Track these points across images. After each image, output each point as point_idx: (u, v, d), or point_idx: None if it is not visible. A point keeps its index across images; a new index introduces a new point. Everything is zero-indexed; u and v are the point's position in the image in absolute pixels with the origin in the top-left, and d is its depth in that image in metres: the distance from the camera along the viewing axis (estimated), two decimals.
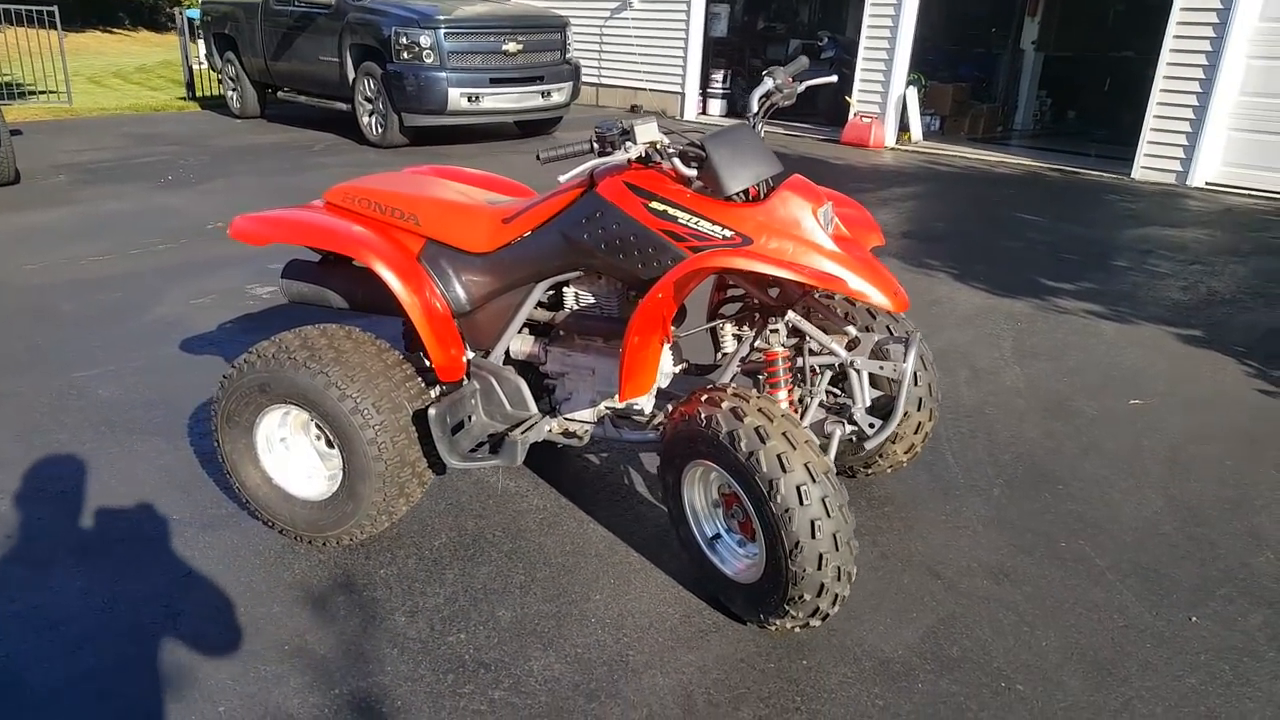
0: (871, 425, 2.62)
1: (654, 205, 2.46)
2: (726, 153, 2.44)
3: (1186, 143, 8.54)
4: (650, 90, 13.04)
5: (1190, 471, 3.31)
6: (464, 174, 3.25)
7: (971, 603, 2.58)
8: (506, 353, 2.86)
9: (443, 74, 9.08)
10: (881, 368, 2.59)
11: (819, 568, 2.15)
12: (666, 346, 2.80)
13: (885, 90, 10.63)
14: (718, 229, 2.39)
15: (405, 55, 9.03)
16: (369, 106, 9.62)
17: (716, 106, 12.93)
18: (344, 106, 10.08)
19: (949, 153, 10.46)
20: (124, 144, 9.70)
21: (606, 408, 2.81)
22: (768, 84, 2.71)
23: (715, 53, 12.94)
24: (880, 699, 2.22)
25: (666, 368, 2.81)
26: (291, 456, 2.79)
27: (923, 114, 10.98)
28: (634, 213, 2.47)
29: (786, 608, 2.25)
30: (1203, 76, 8.34)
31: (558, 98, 10.08)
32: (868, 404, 2.66)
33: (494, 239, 2.71)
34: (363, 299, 2.82)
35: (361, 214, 2.81)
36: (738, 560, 2.44)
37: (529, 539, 2.85)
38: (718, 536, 2.50)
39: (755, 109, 2.67)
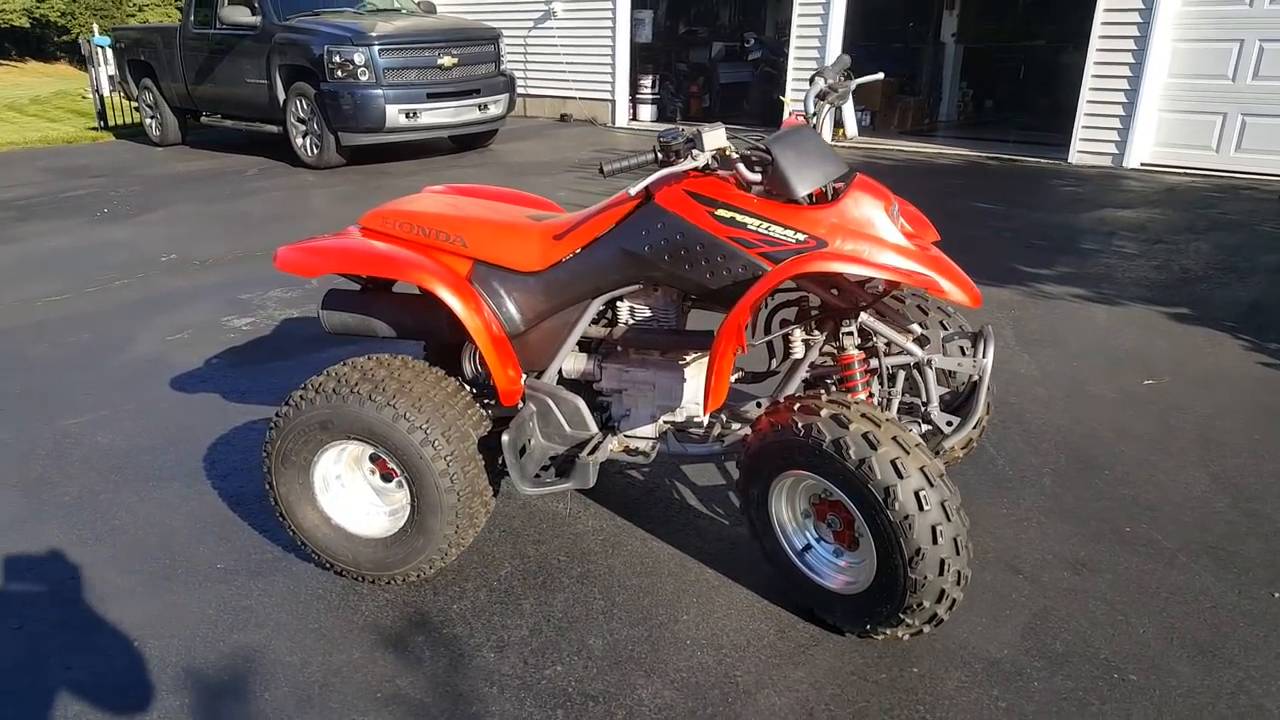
0: (949, 423, 2.61)
1: (720, 213, 2.40)
2: (793, 155, 2.40)
3: (1120, 126, 8.83)
4: (580, 99, 12.97)
5: (1224, 448, 3.39)
6: (485, 190, 3.15)
7: (1059, 596, 2.58)
8: (559, 372, 2.76)
9: (379, 91, 8.86)
10: (960, 364, 2.57)
11: (940, 573, 2.11)
12: None
13: None
14: (790, 233, 2.35)
15: (339, 74, 8.78)
16: (303, 128, 9.34)
17: (647, 112, 12.92)
18: (275, 129, 9.77)
19: (887, 147, 10.64)
20: (46, 178, 9.22)
21: (667, 422, 2.73)
22: (820, 84, 2.69)
23: (641, 58, 12.93)
24: (1002, 700, 2.20)
25: None
26: (347, 494, 2.65)
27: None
28: (699, 221, 2.42)
29: (902, 616, 2.21)
30: (1132, 61, 8.64)
31: (495, 110, 9.94)
32: (938, 402, 2.64)
33: (545, 257, 2.62)
34: (413, 326, 2.69)
35: (404, 238, 2.69)
36: (836, 571, 2.39)
37: (596, 562, 2.75)
38: (808, 548, 2.45)
39: (813, 110, 2.64)
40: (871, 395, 2.55)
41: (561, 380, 2.78)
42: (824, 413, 2.22)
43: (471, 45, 9.56)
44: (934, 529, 2.09)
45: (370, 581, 2.63)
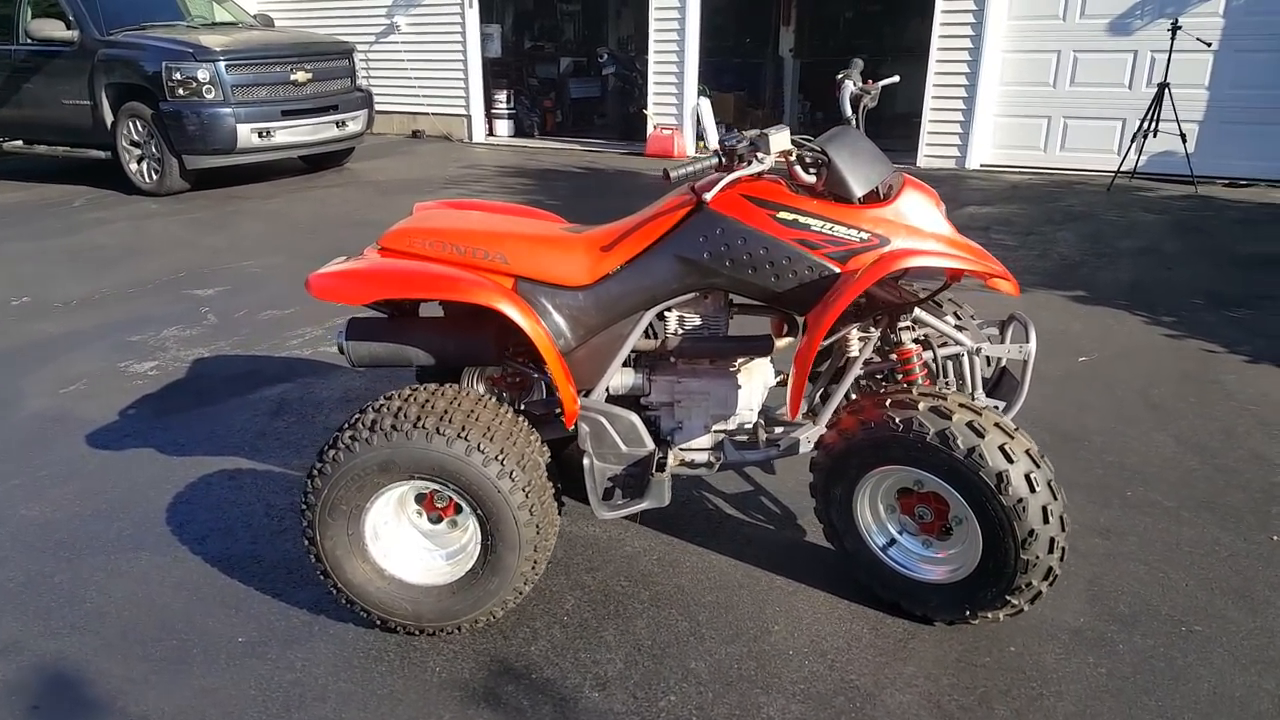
0: (994, 407, 2.70)
1: (782, 215, 2.40)
2: (848, 155, 2.44)
3: (961, 130, 9.50)
4: (433, 114, 12.63)
5: (1170, 412, 3.70)
6: (482, 205, 3.00)
7: (1101, 561, 2.73)
8: (606, 390, 2.67)
9: (228, 110, 8.27)
10: (1008, 350, 2.67)
11: (1050, 551, 2.18)
12: (768, 360, 2.75)
13: (679, 101, 10.96)
14: (853, 232, 2.37)
15: (181, 92, 8.14)
16: (137, 151, 8.58)
17: (504, 127, 12.74)
18: (102, 154, 8.91)
19: None
20: None
21: (721, 431, 2.70)
22: (850, 88, 2.73)
23: (494, 73, 12.75)
24: (1100, 666, 2.30)
25: (771, 380, 2.75)
26: (397, 541, 2.45)
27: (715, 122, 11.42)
28: (761, 225, 2.40)
29: (1009, 598, 2.26)
30: (968, 71, 9.31)
31: (353, 127, 9.51)
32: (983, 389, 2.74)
33: (594, 270, 2.53)
34: (455, 351, 2.51)
35: (437, 257, 2.51)
36: (930, 562, 2.42)
37: (661, 583, 2.67)
38: (892, 542, 2.47)
39: (850, 112, 2.67)
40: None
41: (609, 397, 2.68)
42: (922, 406, 2.25)
43: (325, 60, 9.09)
44: (1045, 509, 2.16)
45: (429, 634, 2.44)
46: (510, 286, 2.52)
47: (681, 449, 2.68)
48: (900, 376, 2.58)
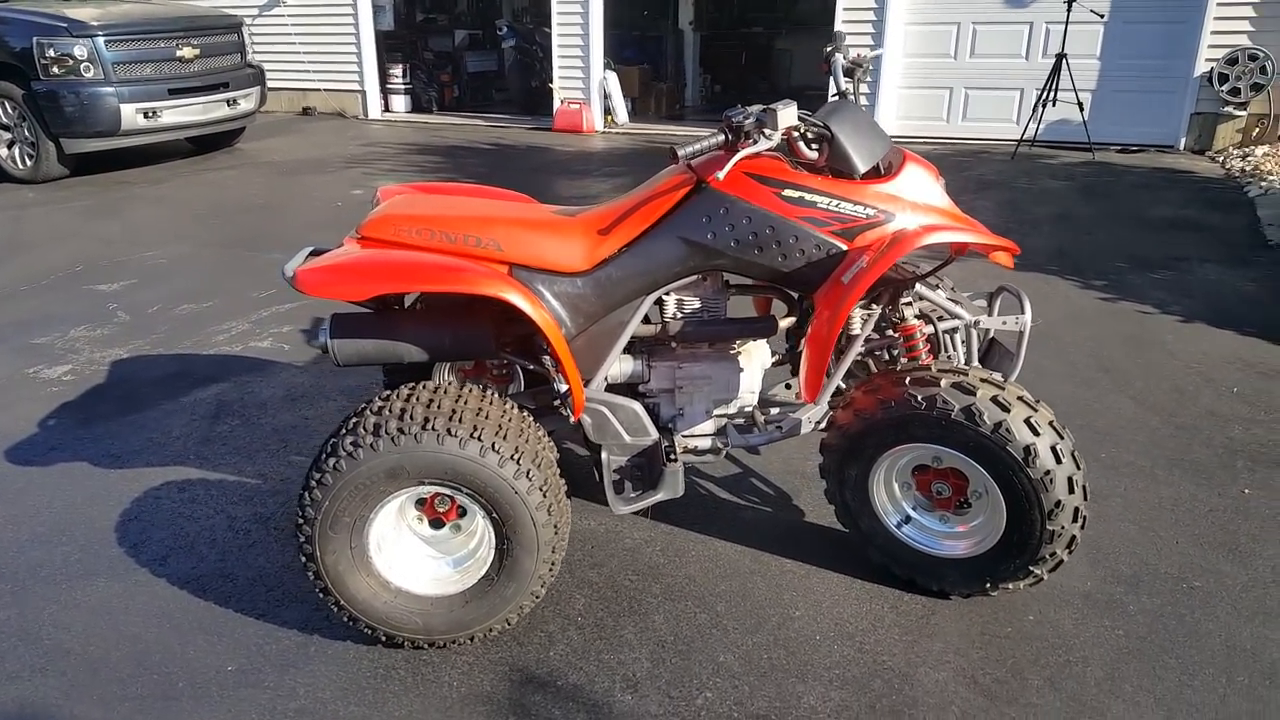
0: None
1: (787, 193, 2.34)
2: (850, 130, 2.39)
3: (868, 103, 9.63)
4: (325, 90, 12.08)
5: (1122, 374, 3.82)
6: (453, 188, 2.84)
7: (1094, 524, 2.78)
8: (605, 379, 2.56)
9: (110, 89, 7.70)
10: (1005, 322, 2.68)
11: (1074, 520, 2.20)
12: (765, 342, 2.69)
13: (586, 75, 10.77)
14: (860, 209, 2.33)
15: (56, 70, 7.53)
16: (8, 136, 7.92)
17: (400, 103, 12.30)
18: None
19: (658, 131, 10.87)
20: None
21: (722, 415, 2.63)
22: (841, 61, 2.67)
23: (388, 47, 12.27)
24: (1117, 628, 2.34)
25: (768, 361, 2.70)
26: (401, 551, 2.30)
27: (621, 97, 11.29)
28: (767, 204, 2.34)
29: (1032, 568, 2.27)
30: (872, 44, 9.44)
31: (245, 105, 9.00)
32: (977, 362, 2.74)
33: (592, 255, 2.41)
34: (451, 345, 2.36)
35: (424, 246, 2.35)
36: (948, 538, 2.41)
37: (670, 574, 2.60)
38: (907, 520, 2.46)
39: (845, 85, 2.62)
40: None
41: (610, 386, 2.58)
42: (945, 382, 2.23)
43: (213, 35, 8.56)
44: (1070, 479, 2.17)
45: (440, 646, 2.30)
46: (505, 274, 2.38)
47: (685, 436, 2.61)
48: (906, 353, 2.55)
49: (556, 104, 11.00)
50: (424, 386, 2.24)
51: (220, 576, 2.62)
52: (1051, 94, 8.24)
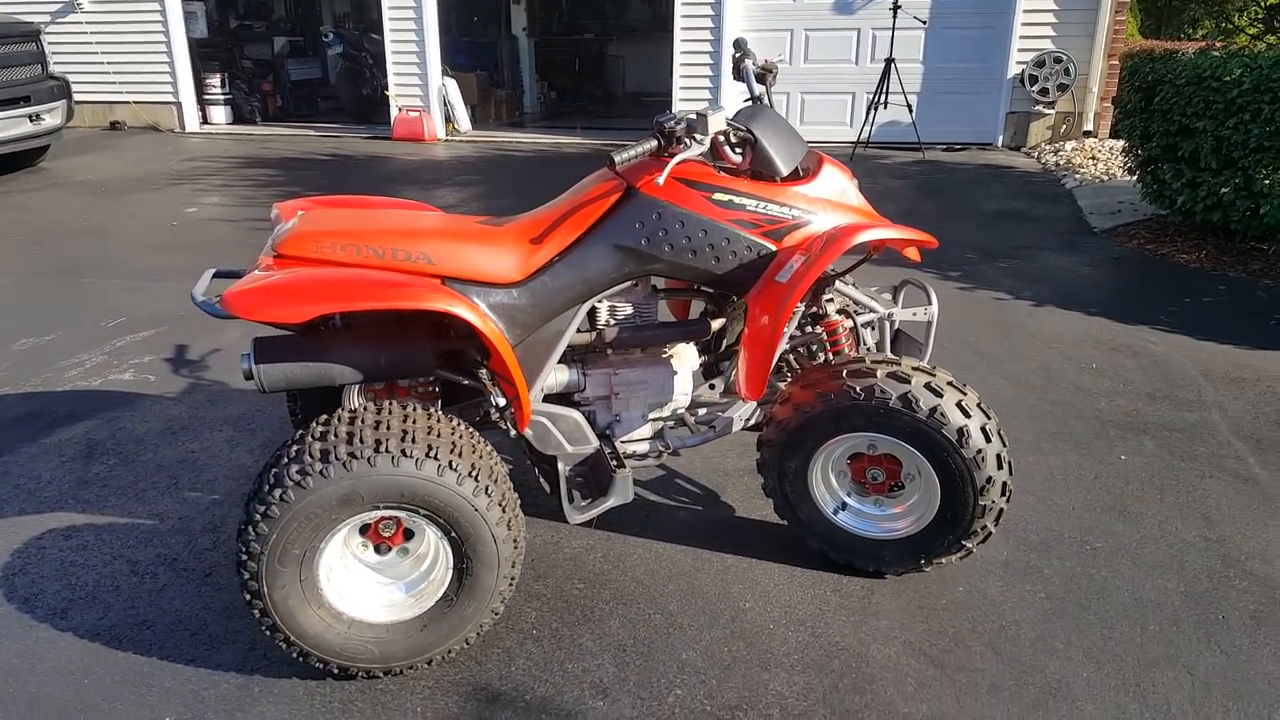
0: None
1: (717, 196, 2.41)
2: (771, 134, 2.48)
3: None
4: (135, 103, 11.30)
5: (992, 357, 4.11)
6: (356, 200, 2.75)
7: None
8: (541, 390, 2.54)
9: None
10: (915, 314, 2.82)
11: (1002, 494, 2.36)
12: (692, 344, 2.74)
13: (424, 82, 10.55)
14: (785, 210, 2.43)
15: None
16: None
17: (220, 114, 11.66)
18: None
19: (504, 139, 10.77)
20: None
21: (656, 419, 2.66)
22: (750, 66, 2.75)
23: (203, 56, 11.61)
24: (1039, 591, 2.53)
25: (696, 364, 2.75)
26: (348, 579, 2.20)
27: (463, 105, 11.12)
28: (697, 208, 2.39)
29: (964, 542, 2.42)
30: (711, 50, 9.73)
31: (50, 120, 8.33)
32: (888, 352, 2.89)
33: (525, 265, 2.39)
34: (388, 365, 2.27)
35: (351, 262, 2.26)
36: (886, 520, 2.53)
37: (616, 579, 2.60)
38: (843, 506, 2.56)
39: (759, 90, 2.69)
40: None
41: (547, 397, 2.56)
42: (880, 373, 2.34)
43: (7, 44, 7.85)
44: (999, 456, 2.32)
45: (397, 673, 2.22)
46: (447, 288, 2.32)
47: (623, 442, 2.62)
48: (829, 347, 2.65)
49: (394, 112, 10.73)
50: (366, 408, 2.16)
51: (134, 625, 2.43)
52: (883, 97, 8.73)
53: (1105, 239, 6.05)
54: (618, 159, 2.25)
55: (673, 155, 2.33)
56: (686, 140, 2.33)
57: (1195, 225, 5.79)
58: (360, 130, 11.26)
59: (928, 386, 2.31)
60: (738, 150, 2.45)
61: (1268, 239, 5.21)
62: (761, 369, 2.32)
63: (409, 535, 2.23)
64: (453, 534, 2.11)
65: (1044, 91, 9.14)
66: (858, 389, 2.33)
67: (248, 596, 2.06)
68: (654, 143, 2.32)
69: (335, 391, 2.65)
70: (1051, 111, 9.31)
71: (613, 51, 15.41)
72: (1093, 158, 8.50)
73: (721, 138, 2.40)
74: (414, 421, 2.12)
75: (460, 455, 2.09)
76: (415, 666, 2.21)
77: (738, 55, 2.76)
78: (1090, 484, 3.06)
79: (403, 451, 2.03)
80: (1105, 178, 7.77)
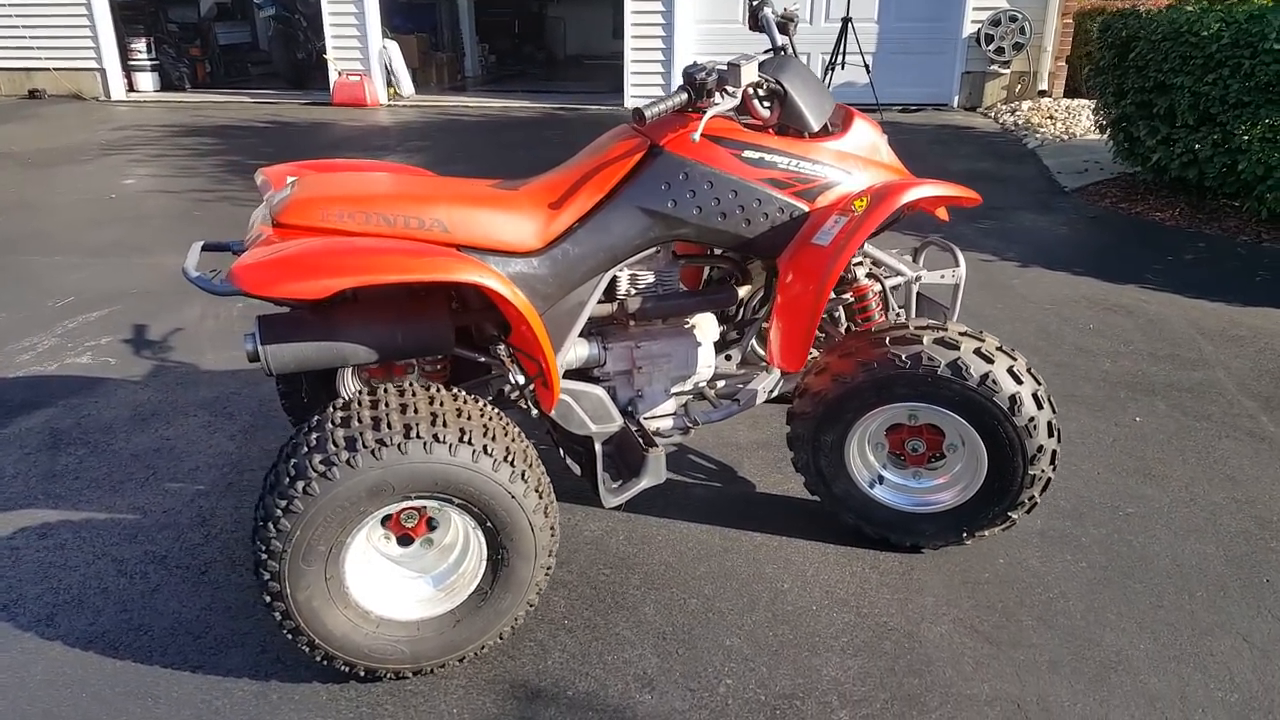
0: None
1: (748, 154, 2.27)
2: (801, 86, 2.35)
3: (663, 70, 9.70)
4: (55, 70, 10.67)
5: (990, 319, 4.05)
6: (349, 164, 2.55)
7: None
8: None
9: None
10: (943, 276, 2.72)
11: (1051, 463, 2.28)
12: (712, 314, 2.60)
13: (365, 45, 10.14)
14: (818, 168, 2.30)
15: None
16: None
17: (147, 81, 11.10)
18: None
19: (449, 103, 10.44)
20: None
21: (679, 393, 2.52)
22: (770, 14, 2.59)
23: (126, 19, 11.00)
24: (1080, 560, 2.46)
25: (717, 333, 2.61)
26: (373, 575, 2.03)
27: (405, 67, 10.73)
28: (727, 167, 2.25)
29: (1010, 514, 2.33)
30: (664, 9, 9.49)
31: None
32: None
33: (545, 231, 2.22)
34: (404, 342, 2.09)
35: (359, 230, 2.07)
36: (925, 492, 2.43)
37: (644, 563, 2.47)
38: (879, 480, 2.46)
39: (781, 41, 2.54)
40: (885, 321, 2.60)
41: (567, 373, 2.40)
42: (927, 339, 2.23)
43: None
44: (1049, 424, 2.24)
45: (425, 673, 2.07)
46: (475, 259, 2.14)
47: (645, 419, 2.48)
48: (860, 312, 2.53)
49: (334, 77, 10.32)
50: (388, 390, 1.98)
51: (130, 630, 2.23)
52: (841, 57, 8.62)
53: (1077, 198, 6.04)
54: (647, 113, 2.09)
55: (701, 110, 2.18)
56: (717, 94, 2.18)
57: (1166, 183, 5.82)
58: (297, 96, 10.81)
59: (977, 352, 2.21)
60: (766, 104, 2.31)
61: (1241, 195, 5.24)
62: (803, 338, 2.19)
63: (431, 525, 2.07)
64: (488, 523, 1.95)
65: (999, 51, 9.13)
66: (903, 356, 2.22)
67: (268, 598, 1.88)
68: (684, 95, 2.17)
69: (328, 377, 2.46)
70: (1007, 71, 9.31)
71: (553, 13, 15.06)
72: (1050, 117, 8.52)
73: (751, 90, 2.25)
74: (441, 404, 1.96)
75: (494, 439, 1.93)
76: (446, 665, 2.06)
77: (756, 3, 2.60)
78: (1110, 447, 3.01)
79: (435, 437, 1.86)
80: (1065, 137, 7.79)
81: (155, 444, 3.08)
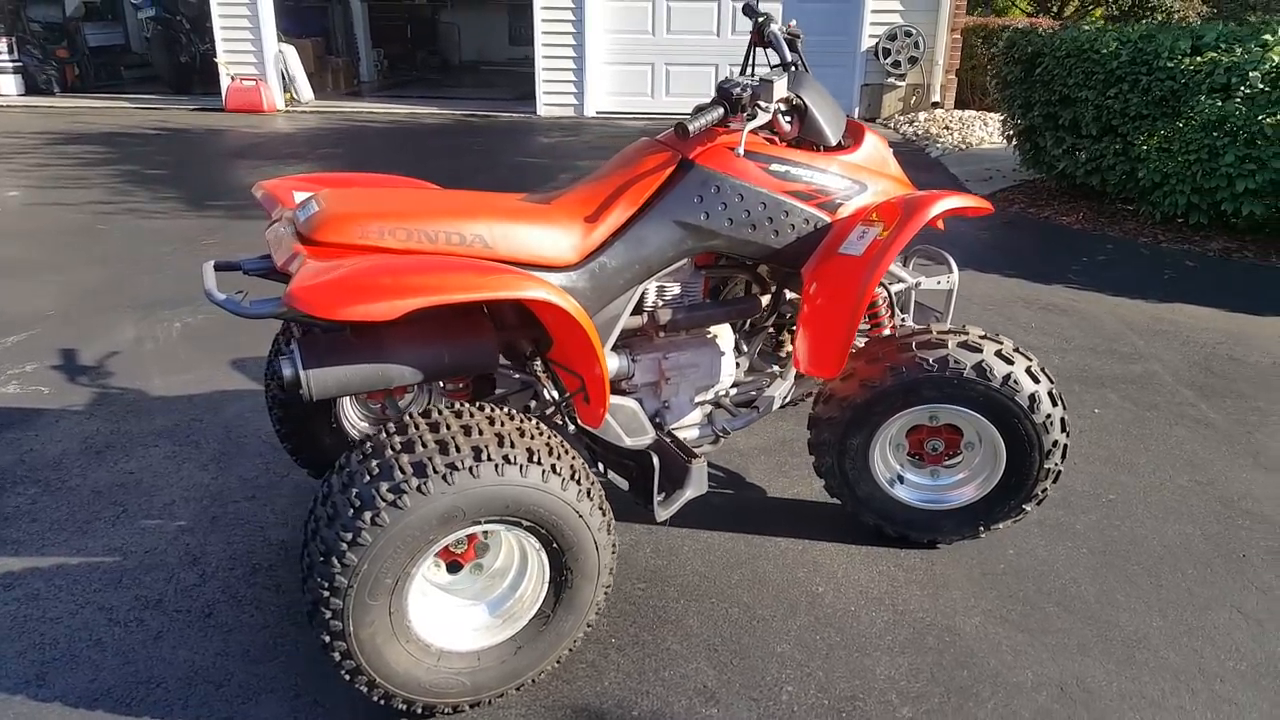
0: None
1: (774, 168, 2.31)
2: (819, 101, 2.42)
3: (575, 79, 9.69)
4: None
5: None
6: (359, 178, 2.46)
7: None
8: None
9: None
10: (939, 282, 2.82)
11: (1063, 457, 2.39)
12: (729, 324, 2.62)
13: (260, 49, 9.74)
14: (838, 180, 2.37)
15: None
16: None
17: (10, 84, 10.39)
18: None
19: (352, 109, 10.13)
20: None
21: (703, 403, 2.53)
22: (777, 30, 2.64)
23: None
24: (1080, 547, 2.59)
25: (733, 342, 2.64)
26: (430, 605, 1.96)
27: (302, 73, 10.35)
28: (756, 180, 2.29)
29: (1025, 507, 2.44)
30: (573, 19, 9.47)
31: None
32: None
33: (582, 246, 2.20)
34: (450, 362, 2.02)
35: (398, 248, 1.99)
36: (946, 489, 2.51)
37: (677, 574, 2.46)
38: (899, 479, 2.53)
39: (790, 57, 2.58)
40: (894, 325, 2.67)
41: None
42: (952, 343, 2.31)
43: None
44: (1062, 420, 2.35)
45: (481, 705, 2.00)
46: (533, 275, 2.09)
47: (673, 429, 2.47)
48: (868, 319, 2.60)
49: (225, 82, 9.87)
50: (439, 410, 1.92)
51: (138, 684, 2.08)
52: (751, 68, 8.79)
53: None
54: (691, 126, 2.11)
55: (728, 124, 2.22)
56: (752, 108, 2.21)
57: (1067, 189, 6.18)
58: (184, 101, 10.29)
59: (999, 354, 2.30)
60: (788, 118, 2.35)
61: (1138, 200, 5.62)
62: (842, 345, 2.23)
63: (482, 551, 2.01)
64: (554, 544, 1.91)
65: (896, 64, 9.51)
66: (930, 360, 2.29)
67: (327, 638, 1.79)
68: (721, 110, 2.19)
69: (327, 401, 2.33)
70: (903, 84, 9.70)
71: (446, 19, 14.84)
72: (946, 127, 8.93)
73: (779, 105, 2.29)
74: (503, 424, 1.90)
75: (559, 458, 1.90)
76: (504, 694, 2.00)
77: (761, 20, 2.63)
78: (1078, 438, 3.18)
79: (505, 458, 1.81)
80: (964, 146, 8.18)
81: (118, 479, 2.88)
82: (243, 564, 2.47)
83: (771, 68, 2.60)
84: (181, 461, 2.98)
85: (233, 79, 9.76)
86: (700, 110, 2.17)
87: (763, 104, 2.21)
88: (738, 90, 2.19)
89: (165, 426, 3.20)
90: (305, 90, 10.14)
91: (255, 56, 9.80)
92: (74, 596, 2.35)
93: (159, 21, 10.78)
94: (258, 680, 2.09)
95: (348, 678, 1.84)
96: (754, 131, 2.34)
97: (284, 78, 9.95)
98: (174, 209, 6.07)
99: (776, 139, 2.37)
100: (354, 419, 2.71)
